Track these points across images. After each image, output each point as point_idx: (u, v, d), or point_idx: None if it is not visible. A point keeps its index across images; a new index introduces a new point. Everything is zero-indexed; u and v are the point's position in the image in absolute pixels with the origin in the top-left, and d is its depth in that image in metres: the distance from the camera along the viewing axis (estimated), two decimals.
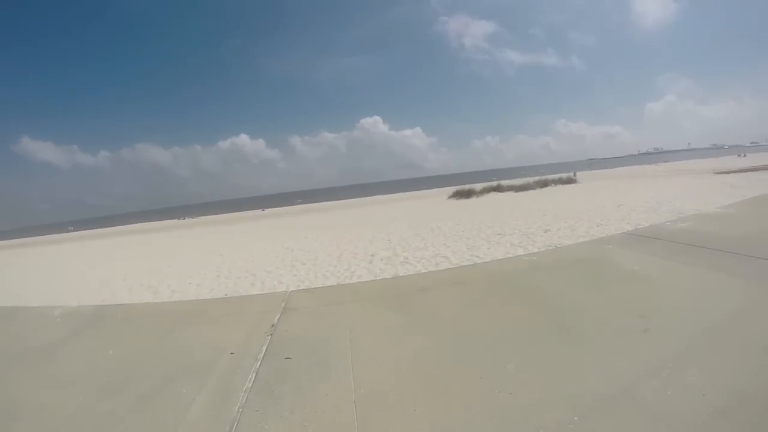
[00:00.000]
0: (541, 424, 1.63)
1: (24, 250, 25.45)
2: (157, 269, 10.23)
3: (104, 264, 13.06)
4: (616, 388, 1.80)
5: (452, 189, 27.38)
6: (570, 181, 26.53)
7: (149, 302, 6.17)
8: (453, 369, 2.13)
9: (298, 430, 1.75)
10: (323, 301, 3.42)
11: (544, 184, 25.07)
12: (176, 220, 48.13)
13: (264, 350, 2.51)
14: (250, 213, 45.72)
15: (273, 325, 2.88)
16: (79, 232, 50.52)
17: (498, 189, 24.51)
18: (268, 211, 46.59)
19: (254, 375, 2.22)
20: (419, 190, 54.21)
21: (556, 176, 29.03)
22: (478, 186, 26.71)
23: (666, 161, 60.03)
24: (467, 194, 24.23)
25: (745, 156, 46.15)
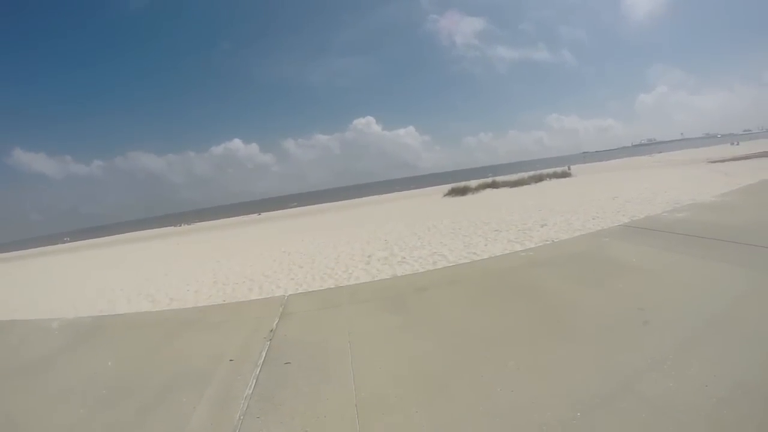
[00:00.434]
0: (544, 422, 1.62)
1: (19, 263, 25.24)
2: (155, 277, 10.17)
3: (101, 274, 12.97)
4: (617, 383, 1.80)
5: (447, 187, 27.41)
6: (565, 174, 26.64)
7: (147, 311, 6.13)
8: (453, 369, 2.12)
9: None
10: (321, 304, 3.41)
11: (539, 178, 25.17)
12: (172, 227, 47.87)
13: (263, 356, 2.49)
14: (246, 218, 45.55)
15: (272, 330, 2.87)
16: (74, 242, 50.17)
17: (493, 185, 24.58)
18: (263, 215, 46.45)
19: (254, 381, 2.20)
20: (414, 189, 54.25)
21: (551, 170, 29.11)
22: (473, 183, 26.75)
23: (660, 152, 60.32)
24: (462, 192, 24.27)
25: (738, 144, 46.47)
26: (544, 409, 1.70)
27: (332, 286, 6.17)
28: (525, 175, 27.44)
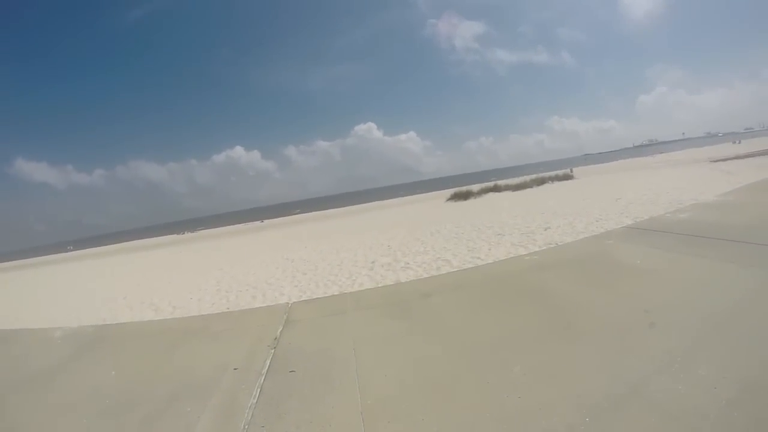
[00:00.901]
0: (552, 428, 1.60)
1: (23, 272, 25.32)
2: (158, 286, 10.18)
3: (104, 282, 13.00)
4: (625, 387, 1.78)
5: (449, 192, 27.39)
6: (567, 177, 26.58)
7: (150, 320, 6.12)
8: (459, 375, 2.10)
9: None
10: (325, 311, 3.39)
11: (542, 181, 25.12)
12: (175, 236, 48.03)
13: (267, 364, 2.47)
14: (249, 225, 45.65)
15: (276, 338, 2.85)
16: (78, 251, 50.36)
17: (495, 189, 24.54)
18: (266, 222, 46.54)
19: (258, 390, 2.19)
20: (416, 194, 54.28)
21: (553, 173, 29.08)
22: (476, 187, 26.73)
23: (661, 152, 60.20)
24: (465, 196, 24.25)
25: (740, 143, 46.35)
26: (552, 414, 1.68)
27: (336, 293, 6.17)
28: (527, 178, 27.38)
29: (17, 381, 2.78)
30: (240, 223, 52.58)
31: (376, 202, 48.44)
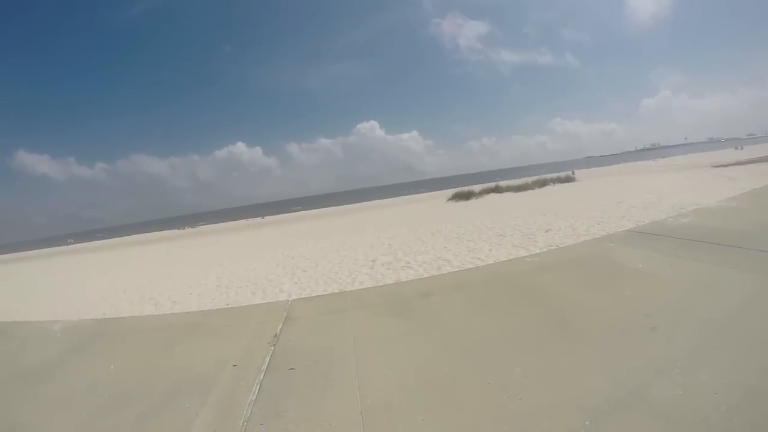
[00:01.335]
0: (552, 430, 1.60)
1: (23, 264, 25.36)
2: (158, 280, 10.19)
3: (104, 276, 13.01)
4: (626, 390, 1.77)
5: (451, 191, 27.36)
6: (569, 179, 26.52)
7: (150, 315, 6.13)
8: (459, 375, 2.10)
9: None
10: (325, 309, 3.39)
11: (543, 183, 25.08)
12: (176, 231, 48.05)
13: (267, 361, 2.47)
14: (250, 221, 45.66)
15: (275, 336, 2.85)
16: (78, 244, 50.43)
17: (497, 190, 24.50)
18: (267, 218, 46.55)
19: (258, 387, 2.18)
20: (417, 193, 54.26)
21: (555, 175, 29.01)
22: (477, 187, 26.69)
23: (663, 156, 60.12)
24: (466, 196, 24.21)
25: (742, 149, 46.24)
26: (552, 417, 1.67)
27: (336, 291, 6.16)
28: (529, 179, 27.34)
29: (15, 374, 2.78)
30: (240, 220, 52.58)
31: (377, 201, 48.44)
